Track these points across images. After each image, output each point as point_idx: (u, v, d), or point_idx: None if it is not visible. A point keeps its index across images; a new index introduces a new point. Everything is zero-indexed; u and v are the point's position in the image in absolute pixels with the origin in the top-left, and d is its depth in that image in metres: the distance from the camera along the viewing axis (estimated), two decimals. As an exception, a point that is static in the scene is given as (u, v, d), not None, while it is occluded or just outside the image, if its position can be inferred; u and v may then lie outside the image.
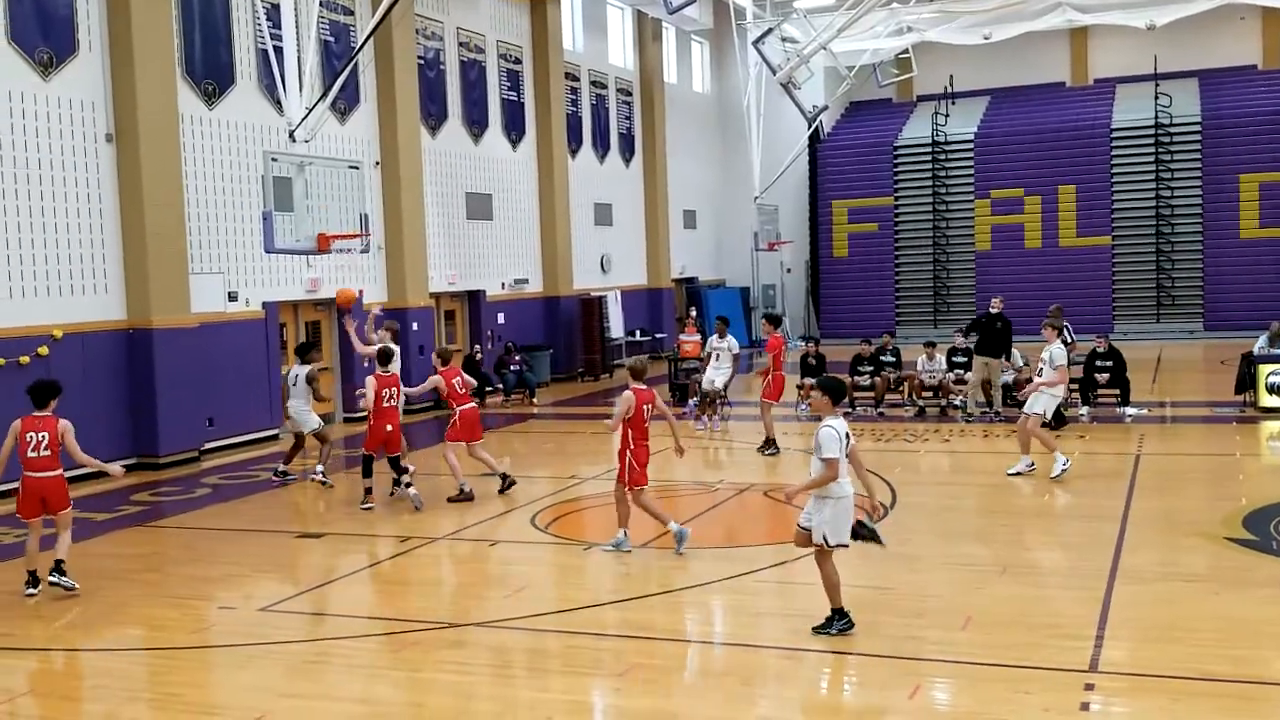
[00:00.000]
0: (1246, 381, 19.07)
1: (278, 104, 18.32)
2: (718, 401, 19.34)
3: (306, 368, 15.29)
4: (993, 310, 19.17)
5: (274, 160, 15.62)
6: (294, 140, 16.77)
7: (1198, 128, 34.64)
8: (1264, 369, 18.56)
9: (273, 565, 11.45)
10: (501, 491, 13.85)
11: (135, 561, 11.61)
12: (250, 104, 19.33)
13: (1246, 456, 15.69)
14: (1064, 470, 13.67)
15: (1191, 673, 7.37)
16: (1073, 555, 10.44)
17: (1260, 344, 19.82)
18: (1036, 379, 14.50)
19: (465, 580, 10.86)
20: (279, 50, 17.05)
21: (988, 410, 18.85)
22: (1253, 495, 12.70)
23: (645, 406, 11.21)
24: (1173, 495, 12.98)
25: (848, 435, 8.29)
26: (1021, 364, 19.40)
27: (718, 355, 18.77)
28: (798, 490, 8.44)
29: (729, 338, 18.80)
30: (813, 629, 8.31)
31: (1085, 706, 6.93)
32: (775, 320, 18.03)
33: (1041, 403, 14.20)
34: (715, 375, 18.85)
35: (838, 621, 8.30)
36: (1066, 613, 8.70)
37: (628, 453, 11.07)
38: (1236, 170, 33.81)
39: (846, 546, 8.33)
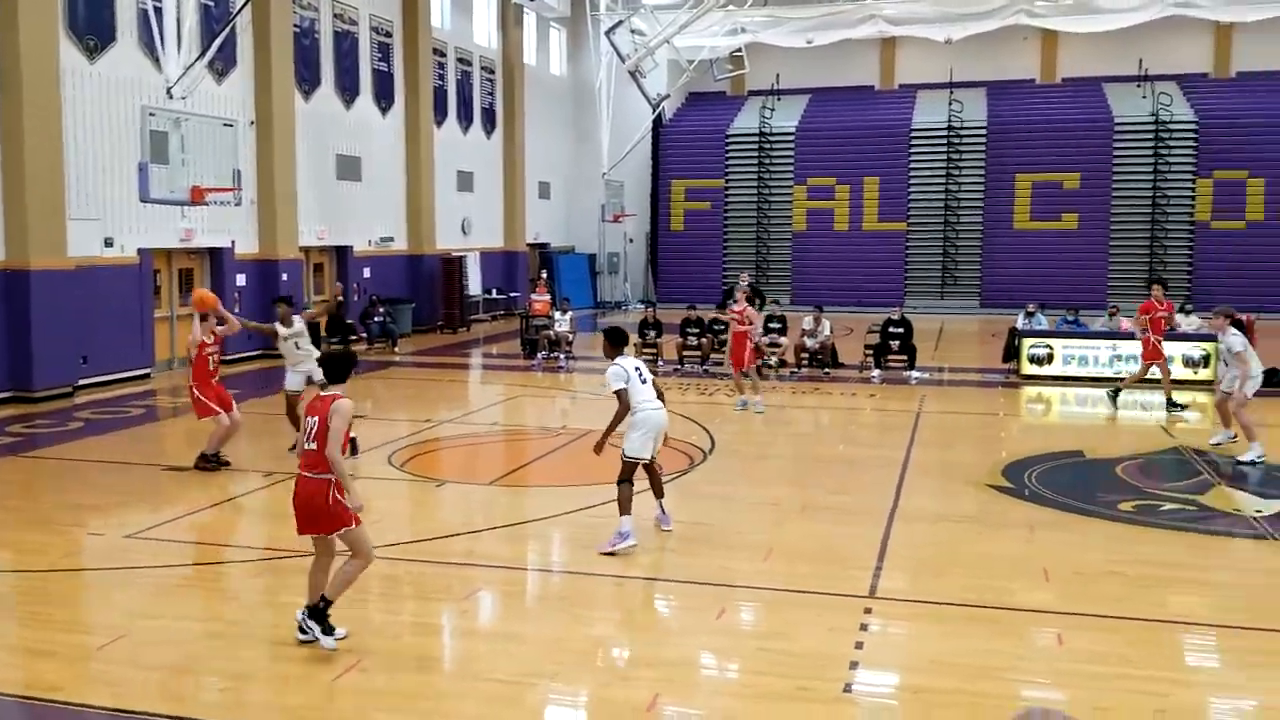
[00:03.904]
0: (1012, 352, 20.01)
1: (156, 62, 17.38)
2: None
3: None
4: (744, 283, 20.46)
5: (151, 115, 14.86)
6: (171, 97, 15.98)
7: (983, 131, 35.94)
8: (1026, 342, 19.50)
9: (141, 495, 11.00)
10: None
11: (8, 489, 11.03)
12: (130, 60, 18.27)
13: (1009, 416, 16.49)
14: (1257, 459, 12.24)
15: (955, 599, 7.75)
16: (861, 498, 10.79)
17: (1020, 321, 20.82)
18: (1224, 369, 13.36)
19: (325, 512, 10.62)
20: (159, 10, 16.18)
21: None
22: (1012, 449, 13.37)
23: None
24: (947, 448, 13.52)
25: None
26: (828, 332, 19.91)
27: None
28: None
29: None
30: None
31: (864, 627, 7.23)
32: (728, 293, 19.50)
33: (1249, 385, 12.83)
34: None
35: None
36: (853, 547, 9.03)
37: None
38: (1014, 170, 35.23)
39: None
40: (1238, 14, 28.47)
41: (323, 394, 6.90)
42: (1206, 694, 6.41)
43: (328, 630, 6.72)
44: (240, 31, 20.07)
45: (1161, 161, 34.18)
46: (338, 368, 6.99)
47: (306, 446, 6.73)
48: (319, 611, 6.74)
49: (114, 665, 6.57)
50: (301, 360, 12.74)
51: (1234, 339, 12.83)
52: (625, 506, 8.89)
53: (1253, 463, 12.19)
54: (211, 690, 6.28)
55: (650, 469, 9.40)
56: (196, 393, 11.80)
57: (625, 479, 8.97)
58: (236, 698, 6.21)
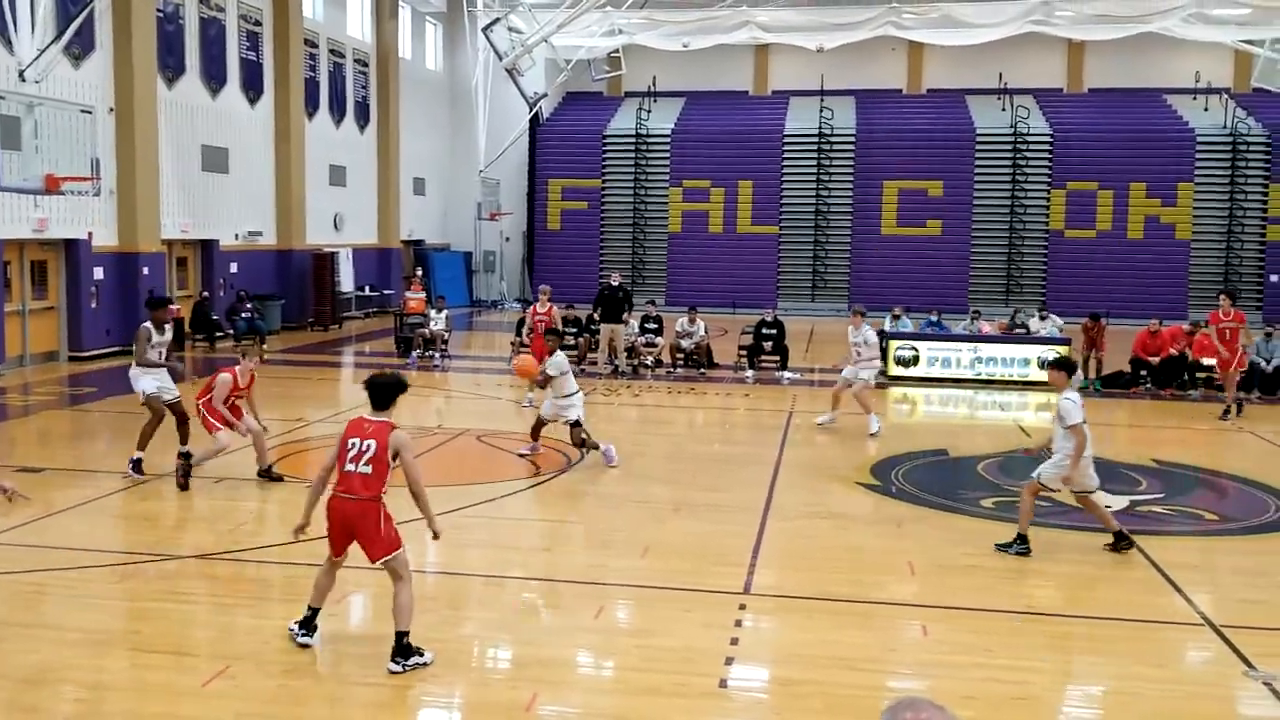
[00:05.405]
0: (880, 354, 20.52)
1: (8, 43, 16.50)
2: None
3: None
4: (613, 283, 20.13)
5: (2, 98, 14.12)
6: (24, 80, 15.23)
7: (852, 138, 36.84)
8: (894, 344, 20.07)
9: (-11, 498, 10.41)
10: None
11: None
12: (-23, 40, 17.29)
13: (876, 416, 16.90)
14: (878, 431, 14.31)
15: (826, 594, 7.94)
16: (735, 495, 10.93)
17: (886, 324, 21.42)
18: (856, 356, 15.00)
19: (189, 515, 10.26)
20: (10, -10, 15.37)
21: (613, 366, 19.72)
22: (879, 448, 13.76)
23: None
24: (817, 447, 13.84)
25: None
26: (703, 333, 20.14)
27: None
28: (1069, 474, 8.94)
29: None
30: (995, 545, 9.08)
31: (738, 623, 7.34)
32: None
33: (866, 372, 14.99)
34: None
35: (1017, 545, 9.02)
36: (727, 544, 9.15)
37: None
38: (881, 177, 36.20)
39: (1054, 491, 9.33)
40: (1090, 33, 29.88)
41: (370, 418, 6.60)
42: (1061, 680, 6.71)
43: (419, 652, 6.55)
44: (99, 14, 19.19)
45: (1019, 172, 35.63)
46: (388, 394, 6.66)
47: (359, 470, 6.48)
48: (404, 647, 6.49)
49: (-42, 678, 6.21)
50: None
51: (869, 332, 15.17)
52: (589, 441, 12.22)
53: (875, 434, 14.20)
54: (67, 701, 5.99)
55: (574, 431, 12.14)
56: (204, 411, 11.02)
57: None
58: (94, 708, 5.93)
